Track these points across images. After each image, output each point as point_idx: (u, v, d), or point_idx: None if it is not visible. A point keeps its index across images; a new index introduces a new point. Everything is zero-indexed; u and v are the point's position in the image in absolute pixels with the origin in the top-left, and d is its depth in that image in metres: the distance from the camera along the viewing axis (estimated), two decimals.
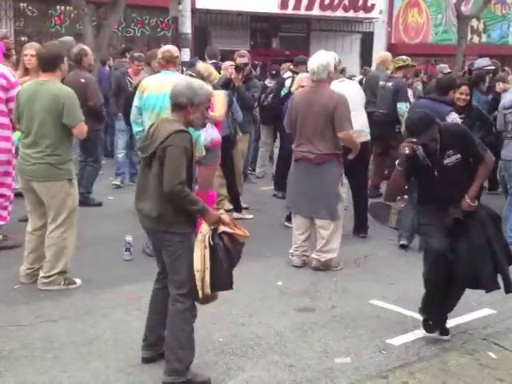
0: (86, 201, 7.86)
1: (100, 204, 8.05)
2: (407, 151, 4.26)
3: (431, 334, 4.48)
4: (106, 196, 8.41)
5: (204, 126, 4.07)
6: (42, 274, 5.16)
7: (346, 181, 6.63)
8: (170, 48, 6.29)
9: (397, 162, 4.42)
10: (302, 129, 5.89)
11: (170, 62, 6.08)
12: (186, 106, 3.68)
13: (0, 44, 7.07)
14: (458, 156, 4.31)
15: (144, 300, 4.27)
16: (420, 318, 4.59)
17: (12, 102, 5.61)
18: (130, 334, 4.35)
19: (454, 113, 6.34)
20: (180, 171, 3.54)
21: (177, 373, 3.69)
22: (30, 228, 5.29)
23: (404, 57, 9.01)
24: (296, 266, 5.97)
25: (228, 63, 8.02)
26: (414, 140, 4.23)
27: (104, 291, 5.19)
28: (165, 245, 3.71)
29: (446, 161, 4.31)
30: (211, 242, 3.58)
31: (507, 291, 4.30)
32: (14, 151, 6.05)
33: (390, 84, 8.55)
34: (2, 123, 6.00)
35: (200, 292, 3.59)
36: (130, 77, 9.23)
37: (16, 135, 5.81)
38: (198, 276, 3.56)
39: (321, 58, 5.82)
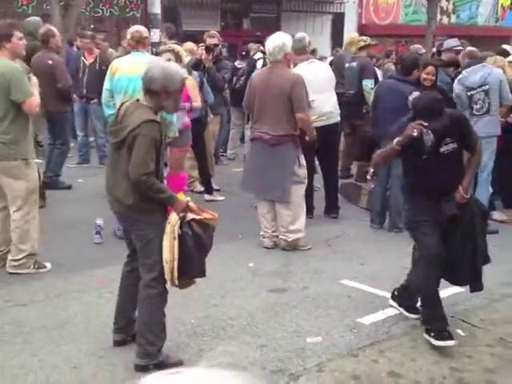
0: (55, 184, 7.78)
1: (69, 187, 7.95)
2: (415, 134, 4.01)
3: (405, 314, 4.54)
4: (75, 179, 8.30)
5: (176, 111, 4.00)
6: (10, 257, 5.11)
7: (315, 162, 6.62)
8: (139, 28, 6.20)
9: (396, 140, 4.16)
10: (259, 109, 5.86)
11: (139, 43, 5.97)
12: (160, 93, 3.60)
13: None
14: (455, 145, 4.16)
15: (115, 283, 4.24)
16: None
17: None
18: (102, 317, 4.33)
19: (416, 92, 6.39)
20: (147, 162, 3.49)
21: (149, 356, 3.69)
22: None
23: (364, 37, 9.23)
24: (267, 248, 5.99)
25: (190, 44, 7.92)
26: (426, 124, 4.00)
27: (75, 275, 5.15)
28: (135, 229, 3.69)
29: (443, 149, 4.14)
30: (179, 232, 3.56)
31: (473, 290, 4.32)
32: None
33: (354, 64, 8.61)
34: None
35: (169, 282, 3.60)
36: (85, 57, 9.14)
37: None
38: (166, 267, 3.56)
39: (277, 39, 5.77)
